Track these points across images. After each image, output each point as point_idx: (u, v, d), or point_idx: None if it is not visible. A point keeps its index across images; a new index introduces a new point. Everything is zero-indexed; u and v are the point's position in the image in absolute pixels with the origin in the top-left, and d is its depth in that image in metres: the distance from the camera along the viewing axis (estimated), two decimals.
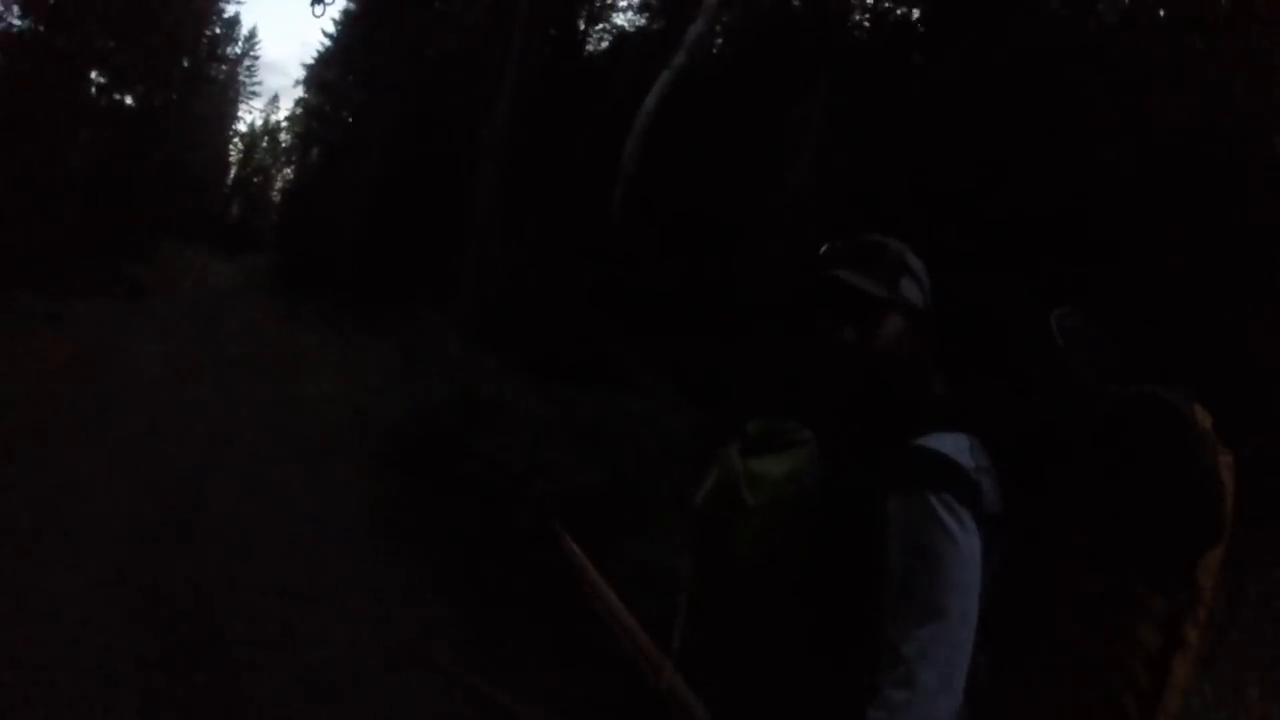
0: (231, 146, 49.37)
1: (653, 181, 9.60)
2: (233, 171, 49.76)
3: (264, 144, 52.56)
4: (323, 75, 27.43)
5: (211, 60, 35.61)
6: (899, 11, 9.62)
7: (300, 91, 43.64)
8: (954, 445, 1.32)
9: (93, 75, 19.51)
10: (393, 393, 8.77)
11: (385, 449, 7.09)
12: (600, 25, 16.57)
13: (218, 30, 36.76)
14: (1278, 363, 5.16)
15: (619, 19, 16.52)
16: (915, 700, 1.20)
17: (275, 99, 61.71)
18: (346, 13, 23.34)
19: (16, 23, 16.37)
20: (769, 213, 8.17)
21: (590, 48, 16.17)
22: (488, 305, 11.14)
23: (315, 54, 28.65)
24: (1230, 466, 1.30)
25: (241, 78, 46.21)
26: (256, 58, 51.72)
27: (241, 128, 50.34)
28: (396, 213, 15.59)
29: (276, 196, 51.36)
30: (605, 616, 1.64)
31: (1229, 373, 4.86)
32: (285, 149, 50.18)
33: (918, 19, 9.19)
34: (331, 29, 26.94)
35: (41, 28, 16.68)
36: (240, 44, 45.24)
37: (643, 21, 15.12)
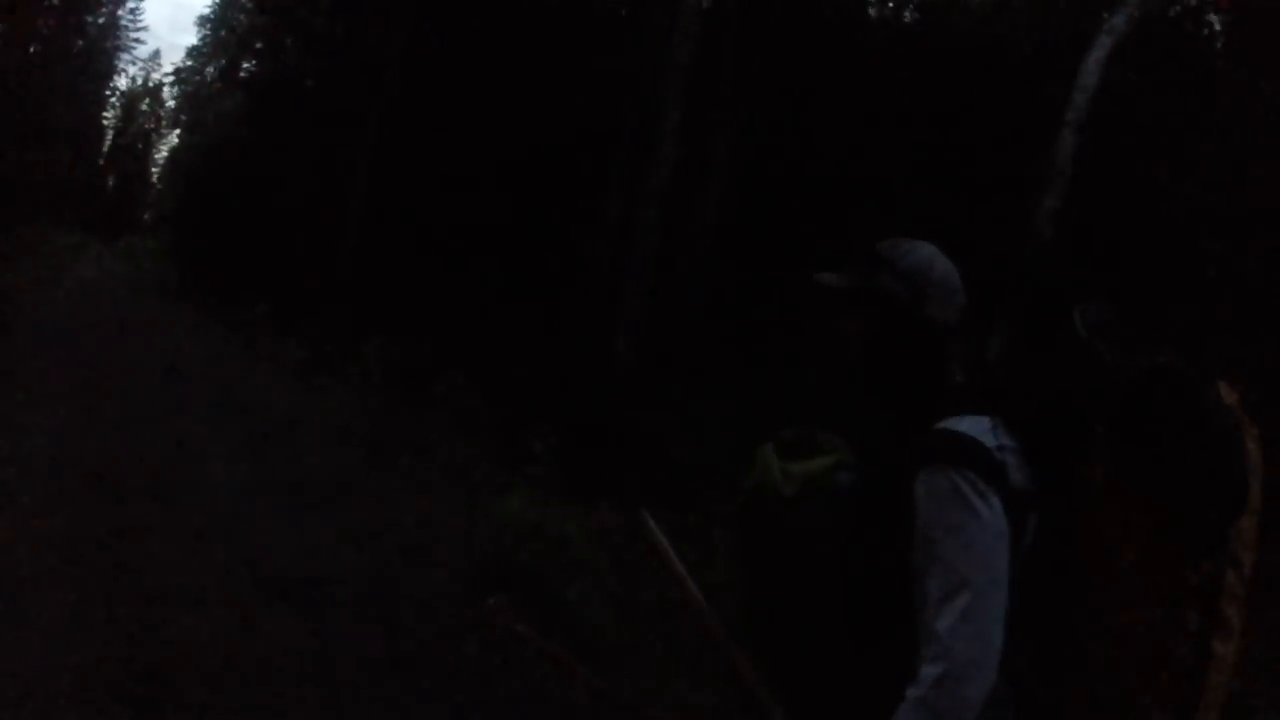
0: (110, 107, 40.96)
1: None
2: (109, 136, 41.84)
3: (145, 105, 44.88)
4: None
5: None
6: None
7: (193, 37, 35.66)
8: (974, 426, 1.38)
9: None
10: None
11: None
12: None
13: None
14: None
15: None
16: (950, 673, 1.25)
17: (157, 54, 52.54)
18: None
19: None
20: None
21: None
22: None
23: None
24: (1257, 439, 1.30)
25: (123, 20, 37.26)
26: None
27: (122, 83, 41.87)
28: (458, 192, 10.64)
29: (158, 167, 44.05)
30: (682, 593, 1.86)
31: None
32: (172, 110, 43.21)
33: None
34: None
35: None
36: None
37: None
